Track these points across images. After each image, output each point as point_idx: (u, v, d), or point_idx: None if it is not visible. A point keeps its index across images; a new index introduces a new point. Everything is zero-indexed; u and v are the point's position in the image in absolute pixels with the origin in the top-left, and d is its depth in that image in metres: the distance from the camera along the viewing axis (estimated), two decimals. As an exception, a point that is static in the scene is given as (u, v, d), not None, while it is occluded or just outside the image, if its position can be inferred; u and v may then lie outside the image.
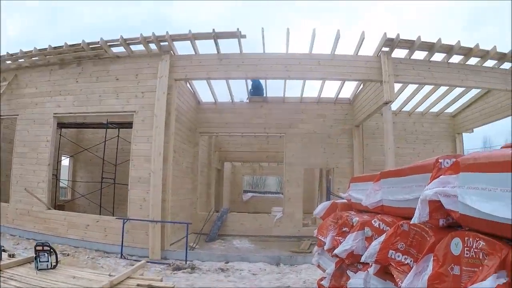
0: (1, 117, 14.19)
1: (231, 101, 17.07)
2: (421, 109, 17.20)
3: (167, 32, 11.96)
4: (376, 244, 3.76)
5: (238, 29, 11.83)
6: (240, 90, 16.67)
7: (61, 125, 15.69)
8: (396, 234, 3.63)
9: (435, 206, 3.10)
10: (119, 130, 16.77)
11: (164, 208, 11.67)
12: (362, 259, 3.91)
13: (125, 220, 11.35)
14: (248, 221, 15.82)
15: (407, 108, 17.04)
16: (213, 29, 11.86)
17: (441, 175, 3.16)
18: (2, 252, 8.37)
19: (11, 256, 8.68)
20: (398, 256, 3.49)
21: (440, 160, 3.32)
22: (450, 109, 17.27)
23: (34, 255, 7.71)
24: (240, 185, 30.13)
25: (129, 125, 14.17)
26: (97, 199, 15.96)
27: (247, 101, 16.98)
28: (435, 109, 17.25)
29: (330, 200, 10.84)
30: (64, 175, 20.61)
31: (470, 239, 2.63)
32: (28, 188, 12.86)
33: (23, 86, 14.10)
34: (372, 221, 4.35)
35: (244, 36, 12.00)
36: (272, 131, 16.49)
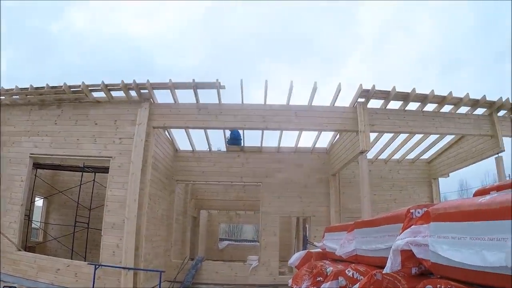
0: None
1: (208, 149, 17.19)
2: (397, 156, 17.45)
3: (147, 80, 12.09)
4: (350, 293, 3.79)
5: (217, 80, 12.03)
6: (217, 138, 16.81)
7: (37, 165, 15.53)
8: (370, 283, 3.67)
9: (407, 255, 3.17)
10: (95, 175, 16.67)
11: (137, 255, 11.48)
12: (337, 309, 3.93)
13: (97, 266, 11.10)
14: (223, 269, 15.58)
15: (383, 156, 17.31)
16: (193, 79, 12.05)
17: (412, 225, 3.25)
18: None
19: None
20: (373, 306, 3.53)
21: (411, 210, 3.41)
22: (426, 155, 17.56)
23: (2, 299, 7.60)
24: (216, 233, 29.85)
25: (105, 169, 14.11)
26: (69, 242, 15.69)
27: (225, 150, 17.05)
28: (411, 156, 17.49)
29: (307, 248, 10.85)
30: (37, 216, 20.24)
31: (442, 286, 2.69)
32: None
33: (2, 123, 13.93)
34: (346, 271, 4.39)
35: (223, 87, 12.18)
36: (248, 180, 16.58)
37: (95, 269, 10.98)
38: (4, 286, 7.97)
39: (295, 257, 6.93)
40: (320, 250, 6.39)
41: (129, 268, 11.06)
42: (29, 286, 11.54)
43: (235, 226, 48.11)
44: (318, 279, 5.12)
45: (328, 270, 4.88)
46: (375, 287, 3.58)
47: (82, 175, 16.35)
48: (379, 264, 3.91)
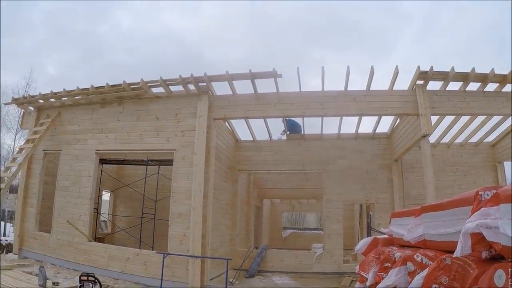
0: (45, 152, 14.83)
1: (269, 139, 17.29)
2: (459, 140, 16.81)
3: (205, 73, 12.23)
4: (419, 279, 3.77)
5: (274, 69, 11.99)
6: (277, 127, 16.80)
7: (102, 161, 16.07)
8: (439, 268, 3.62)
9: (477, 238, 3.12)
10: (159, 167, 17.07)
11: (204, 244, 11.72)
12: (407, 294, 3.90)
13: (165, 255, 11.30)
14: (288, 257, 15.67)
15: (445, 140, 16.75)
16: (250, 70, 12.09)
17: (481, 207, 3.18)
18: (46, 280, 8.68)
19: (55, 284, 8.98)
20: (442, 291, 3.49)
21: (480, 193, 3.34)
22: (489, 138, 16.78)
23: (79, 285, 7.98)
24: (279, 222, 30.01)
25: (169, 162, 14.45)
26: (136, 233, 16.23)
27: (285, 138, 17.12)
28: (474, 139, 16.77)
29: (371, 235, 10.77)
30: (105, 209, 21.18)
31: (514, 270, 2.64)
32: (70, 220, 13.21)
33: (66, 123, 14.70)
34: (415, 256, 4.34)
35: (280, 76, 12.11)
36: (310, 168, 16.53)
37: (164, 257, 11.18)
38: (82, 273, 8.29)
39: (362, 244, 6.92)
40: (387, 236, 6.35)
41: (196, 256, 11.34)
42: (100, 274, 11.96)
43: (298, 214, 48.18)
44: (386, 264, 5.09)
45: (396, 255, 4.85)
46: (445, 272, 3.54)
47: (146, 168, 16.76)
48: (448, 248, 3.85)
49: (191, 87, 12.76)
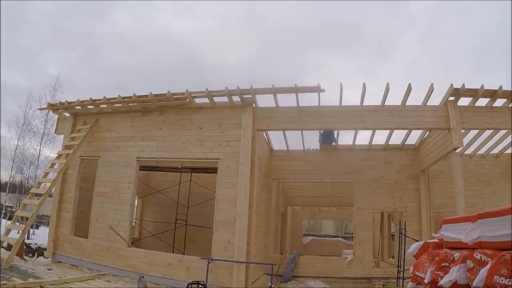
0: (82, 158, 15.27)
1: (303, 149, 17.71)
2: (481, 151, 17.25)
3: (251, 86, 12.75)
4: (483, 272, 4.53)
5: (318, 84, 12.57)
6: (311, 137, 17.29)
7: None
8: (499, 262, 4.41)
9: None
10: (191, 175, 17.68)
11: (248, 250, 12.22)
12: (474, 285, 4.65)
13: (210, 260, 11.88)
14: (319, 263, 16.18)
15: (468, 151, 17.15)
16: (295, 84, 12.64)
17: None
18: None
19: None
20: (502, 280, 4.28)
21: (534, 202, 4.24)
22: (510, 150, 17.10)
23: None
24: (300, 229, 30.29)
25: (201, 170, 15.07)
26: (165, 238, 16.84)
27: (318, 148, 17.61)
28: (495, 151, 17.23)
29: (404, 242, 11.49)
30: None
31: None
32: (112, 226, 13.65)
33: (104, 129, 15.15)
34: (474, 254, 5.09)
35: (323, 90, 12.70)
36: (342, 177, 17.03)
37: (208, 263, 11.82)
38: (193, 281, 9.11)
39: (414, 247, 7.71)
40: (437, 240, 7.06)
41: (241, 262, 11.84)
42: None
43: (315, 221, 48.49)
44: (443, 264, 5.82)
45: (455, 255, 5.57)
46: (504, 265, 4.27)
47: (180, 175, 17.41)
48: (502, 247, 4.61)
49: (235, 98, 13.24)
